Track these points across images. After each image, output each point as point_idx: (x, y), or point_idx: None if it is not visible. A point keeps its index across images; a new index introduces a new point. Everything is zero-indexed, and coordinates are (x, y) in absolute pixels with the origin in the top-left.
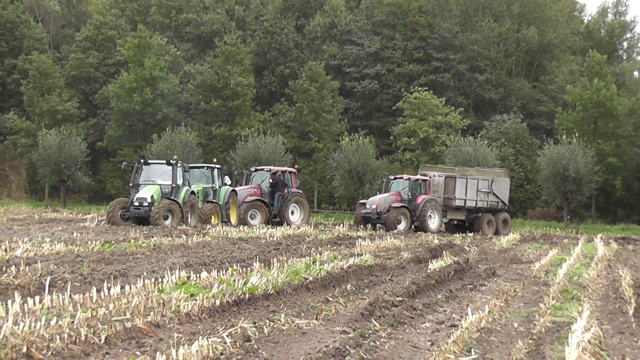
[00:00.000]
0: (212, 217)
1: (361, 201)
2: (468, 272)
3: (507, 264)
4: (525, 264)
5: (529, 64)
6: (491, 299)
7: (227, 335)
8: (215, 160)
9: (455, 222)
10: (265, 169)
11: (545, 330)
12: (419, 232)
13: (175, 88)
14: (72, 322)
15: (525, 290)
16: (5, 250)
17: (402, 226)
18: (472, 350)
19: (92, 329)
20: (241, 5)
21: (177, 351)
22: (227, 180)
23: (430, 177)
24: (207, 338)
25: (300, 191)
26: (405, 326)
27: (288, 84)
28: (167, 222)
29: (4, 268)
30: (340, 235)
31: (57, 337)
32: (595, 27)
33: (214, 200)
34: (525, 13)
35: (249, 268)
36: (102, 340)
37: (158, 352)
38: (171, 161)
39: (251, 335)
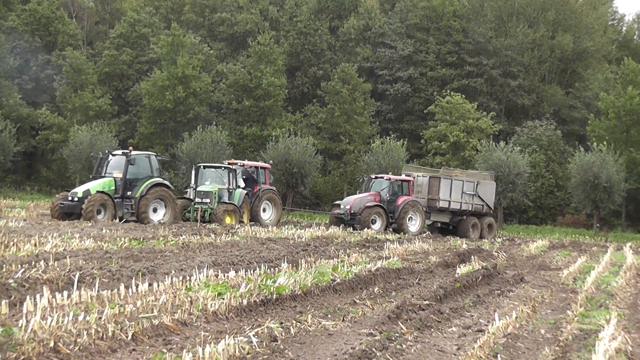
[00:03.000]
0: (227, 217)
1: (335, 202)
2: (496, 277)
3: (535, 271)
4: (554, 271)
5: (562, 70)
6: (518, 305)
7: (253, 335)
8: (231, 161)
9: (439, 224)
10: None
11: (572, 337)
12: (446, 237)
13: (208, 87)
14: (100, 318)
15: (553, 297)
16: (35, 245)
17: (377, 226)
18: (499, 355)
19: (119, 326)
20: (275, 5)
21: (203, 349)
22: (242, 182)
23: (413, 178)
24: (233, 337)
25: (274, 188)
26: (432, 330)
27: (320, 85)
28: (100, 217)
29: (34, 263)
30: (368, 237)
31: (85, 332)
32: (630, 35)
33: (229, 201)
34: (560, 20)
35: (276, 268)
36: (129, 337)
37: (185, 350)
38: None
39: (278, 335)
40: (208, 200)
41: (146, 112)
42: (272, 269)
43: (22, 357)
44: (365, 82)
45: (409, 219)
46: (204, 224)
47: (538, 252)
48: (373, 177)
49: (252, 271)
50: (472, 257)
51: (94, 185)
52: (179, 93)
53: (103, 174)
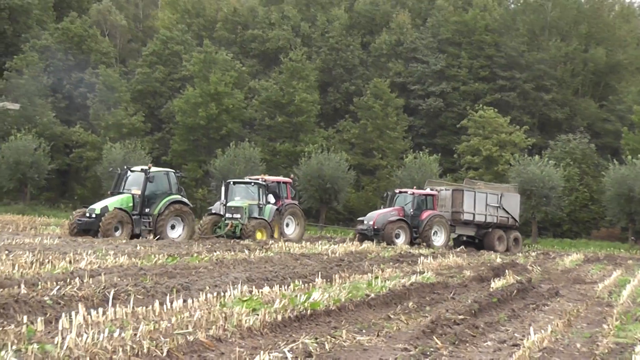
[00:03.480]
0: (257, 232)
1: (360, 218)
2: (531, 291)
3: (570, 284)
4: (589, 284)
5: (595, 83)
6: (554, 319)
7: (288, 351)
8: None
9: (465, 237)
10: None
11: (608, 351)
12: (481, 251)
13: (240, 103)
14: (135, 334)
15: (588, 310)
16: (70, 262)
17: (400, 241)
18: None
19: (154, 342)
20: (307, 21)
21: None
22: (272, 198)
23: (437, 192)
24: (268, 353)
25: (296, 202)
26: (467, 345)
27: (353, 100)
28: (118, 234)
29: (69, 280)
30: (402, 252)
31: (120, 349)
32: None
33: (259, 217)
34: (593, 33)
35: (311, 284)
36: (164, 354)
37: None
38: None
39: (312, 351)
40: (239, 216)
41: (179, 129)
42: (306, 285)
43: None
44: (397, 97)
45: (433, 233)
46: (235, 240)
47: (573, 266)
48: (397, 191)
49: (286, 287)
50: (507, 271)
51: (111, 202)
52: (211, 110)
53: (121, 190)
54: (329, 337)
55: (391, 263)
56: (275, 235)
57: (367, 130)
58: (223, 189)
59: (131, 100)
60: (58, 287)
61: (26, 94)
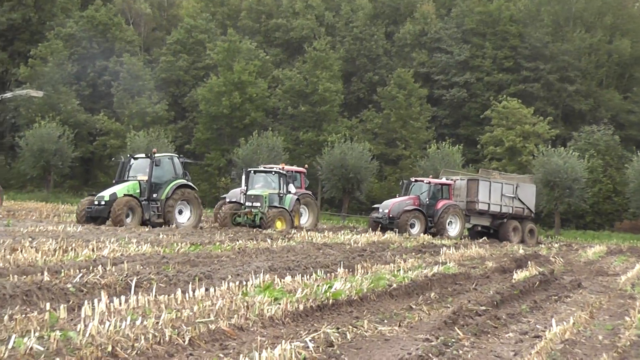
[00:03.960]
0: (277, 221)
1: (375, 205)
2: (553, 283)
3: (592, 276)
4: (612, 276)
5: (620, 75)
6: (576, 310)
7: (310, 340)
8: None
9: (480, 228)
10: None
11: (631, 343)
12: (503, 242)
13: (264, 92)
14: (157, 322)
15: (610, 302)
16: (93, 250)
17: (415, 230)
18: None
19: (176, 330)
20: (331, 11)
21: (260, 354)
22: (292, 188)
23: (453, 182)
24: (290, 342)
25: (309, 192)
26: (489, 336)
27: (376, 90)
28: (128, 220)
29: (91, 267)
30: (425, 243)
31: (142, 337)
32: None
33: (279, 205)
34: (618, 24)
35: (333, 273)
36: (186, 342)
37: (241, 355)
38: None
39: (334, 340)
40: (259, 204)
41: (202, 117)
42: (328, 274)
43: None
44: (421, 88)
45: (448, 223)
46: (256, 228)
47: (595, 258)
48: (412, 180)
49: (308, 276)
50: (529, 262)
51: (120, 189)
52: (235, 99)
53: (126, 178)
54: (350, 327)
55: (413, 253)
56: (296, 224)
57: (390, 120)
58: (244, 177)
59: (155, 89)
60: (81, 274)
61: (51, 82)
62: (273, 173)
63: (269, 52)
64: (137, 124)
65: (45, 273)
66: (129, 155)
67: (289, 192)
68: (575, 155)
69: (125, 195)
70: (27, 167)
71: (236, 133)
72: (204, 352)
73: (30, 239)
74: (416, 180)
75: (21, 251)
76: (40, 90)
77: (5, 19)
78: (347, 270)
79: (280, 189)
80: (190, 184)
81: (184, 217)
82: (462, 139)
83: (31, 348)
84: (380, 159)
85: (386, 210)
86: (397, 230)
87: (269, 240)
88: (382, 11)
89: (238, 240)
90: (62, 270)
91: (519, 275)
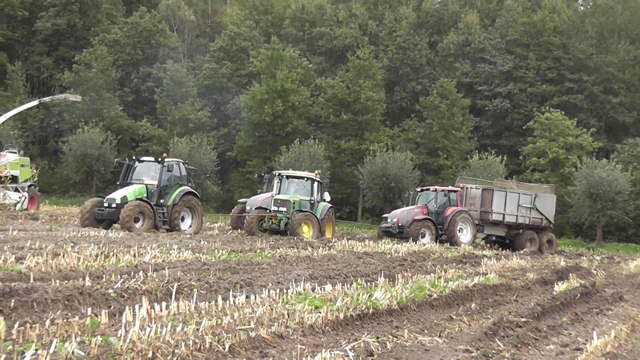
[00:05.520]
0: (303, 226)
1: (384, 215)
2: (594, 295)
3: (634, 289)
4: None
5: None
6: (617, 323)
7: (350, 349)
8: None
9: (494, 238)
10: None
11: None
12: (544, 254)
13: (306, 101)
14: (197, 329)
15: None
16: (134, 256)
17: (426, 239)
18: None
19: (216, 337)
20: (375, 20)
21: None
22: (327, 196)
23: (461, 188)
24: (330, 351)
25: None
26: (529, 347)
27: (419, 100)
28: (138, 225)
29: (133, 273)
30: (465, 253)
31: (182, 343)
32: None
33: (305, 210)
34: None
35: (373, 283)
36: (226, 349)
37: None
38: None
39: (374, 350)
40: (285, 209)
41: (245, 125)
42: (368, 283)
43: None
44: (464, 98)
45: (459, 230)
46: (279, 234)
47: (638, 271)
48: (419, 190)
49: (348, 285)
50: (570, 274)
51: (129, 192)
52: (277, 106)
53: (129, 181)
54: (390, 336)
55: (454, 264)
56: (328, 234)
57: (432, 129)
58: (275, 182)
59: (198, 95)
60: (122, 280)
61: (94, 88)
62: (306, 179)
63: (312, 60)
64: (179, 130)
65: (87, 278)
66: (134, 158)
67: (324, 200)
68: (618, 168)
69: (137, 199)
70: (70, 172)
71: (278, 141)
72: (244, 359)
73: (72, 244)
74: (422, 189)
75: (63, 256)
76: (82, 95)
77: (50, 24)
78: (387, 279)
79: (312, 195)
80: (194, 191)
81: (186, 223)
82: (504, 150)
83: (72, 353)
84: (421, 168)
85: (395, 220)
86: (407, 239)
87: (309, 249)
88: (425, 21)
89: (279, 248)
90: (104, 275)
91: (560, 287)
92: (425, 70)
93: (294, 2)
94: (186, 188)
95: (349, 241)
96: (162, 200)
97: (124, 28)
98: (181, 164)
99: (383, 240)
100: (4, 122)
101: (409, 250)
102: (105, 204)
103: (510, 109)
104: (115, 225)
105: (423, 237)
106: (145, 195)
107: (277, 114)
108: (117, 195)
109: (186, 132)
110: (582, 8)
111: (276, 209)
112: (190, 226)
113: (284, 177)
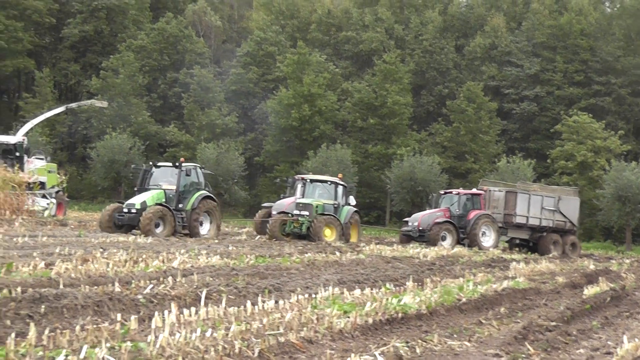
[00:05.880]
0: (326, 230)
1: (405, 219)
2: (624, 299)
3: None
4: None
5: None
6: None
7: (379, 354)
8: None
9: (518, 241)
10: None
11: None
12: (572, 258)
13: (333, 105)
14: (227, 334)
15: None
16: (163, 261)
17: (447, 243)
18: None
19: (245, 342)
20: (401, 24)
21: None
22: (352, 200)
23: (485, 191)
24: (359, 356)
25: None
26: (559, 351)
27: (446, 103)
28: (158, 230)
29: (162, 278)
30: (494, 257)
31: (212, 349)
32: None
33: (327, 213)
34: None
35: (402, 287)
36: (256, 354)
37: None
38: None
39: (403, 354)
40: (307, 213)
41: (272, 130)
42: (397, 288)
43: None
44: (490, 101)
45: (481, 234)
46: (301, 239)
47: None
48: (442, 192)
49: (377, 290)
50: (600, 278)
51: (148, 197)
52: (304, 111)
53: (147, 187)
54: (420, 341)
55: (483, 268)
56: (354, 239)
57: (459, 133)
58: (299, 186)
59: (225, 101)
60: (151, 285)
61: (122, 94)
62: (329, 183)
63: (339, 64)
64: (206, 135)
65: (116, 284)
66: (150, 163)
67: (348, 204)
68: None
69: (157, 204)
70: (98, 178)
71: (305, 145)
72: None
73: (101, 250)
74: (445, 192)
75: (92, 262)
76: (109, 101)
77: (77, 31)
78: (416, 283)
79: (336, 199)
80: (212, 195)
81: (204, 228)
82: (532, 153)
83: (102, 359)
84: (449, 172)
85: (415, 223)
86: (427, 243)
87: (337, 253)
88: (452, 24)
89: (307, 253)
90: (133, 281)
91: (589, 290)
92: (452, 74)
93: (320, 7)
94: (204, 192)
95: (377, 245)
96: (180, 205)
97: (151, 34)
98: (198, 169)
99: (411, 245)
100: (31, 129)
101: (438, 254)
102: (125, 210)
103: (537, 112)
104: (134, 230)
105: (444, 240)
106: (164, 200)
107: (304, 118)
108: (136, 201)
109: (213, 138)
110: (609, 10)
111: (298, 212)
112: (208, 230)
113: (308, 181)
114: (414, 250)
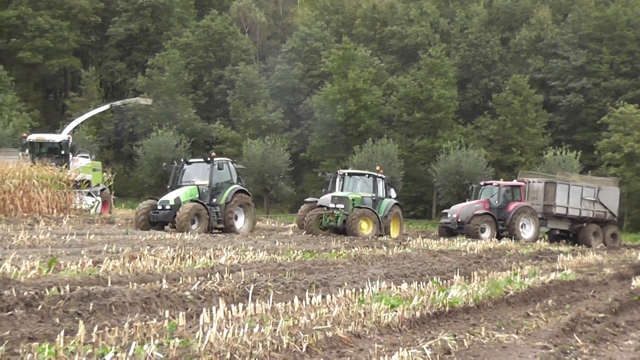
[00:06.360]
0: (362, 223)
1: (444, 210)
2: None
3: None
4: None
5: None
6: None
7: (427, 348)
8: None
9: (558, 232)
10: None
11: None
12: (621, 249)
13: (378, 100)
14: (275, 330)
15: None
16: (210, 257)
17: (486, 235)
18: None
19: (293, 338)
20: (446, 18)
21: None
22: (393, 193)
23: (525, 183)
24: (407, 350)
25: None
26: (608, 343)
27: (491, 96)
28: (194, 227)
29: (209, 275)
30: (541, 249)
31: (260, 344)
32: None
33: (363, 206)
34: None
35: (449, 280)
36: (304, 349)
37: None
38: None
39: (451, 348)
40: (342, 206)
41: (317, 125)
42: (444, 281)
43: None
44: (537, 93)
45: (521, 226)
46: (338, 233)
47: None
48: (482, 184)
49: (424, 283)
50: None
51: (182, 193)
52: (350, 106)
53: (179, 184)
54: (467, 334)
55: (530, 260)
56: (394, 234)
57: (505, 126)
58: (338, 180)
59: (270, 97)
60: (199, 282)
61: (168, 91)
62: (367, 176)
63: (384, 59)
64: (252, 132)
65: (164, 281)
66: (182, 160)
67: (390, 197)
68: None
69: (191, 200)
70: (145, 176)
71: (351, 140)
72: (322, 359)
73: (148, 247)
74: (486, 184)
75: (140, 259)
76: (155, 99)
77: (123, 29)
78: (463, 277)
79: (374, 192)
80: (245, 189)
81: (239, 222)
82: (578, 145)
83: (151, 355)
84: (495, 165)
85: (454, 215)
86: (466, 235)
87: (384, 248)
88: (497, 17)
89: (354, 248)
90: (180, 277)
91: (637, 282)
92: (498, 67)
93: (364, 2)
94: (237, 186)
95: (424, 239)
96: (214, 200)
97: (196, 31)
98: (230, 163)
99: (457, 238)
100: (78, 127)
101: (484, 247)
102: (159, 207)
103: (584, 104)
104: (166, 227)
105: (483, 232)
106: (197, 196)
107: (350, 113)
108: (170, 197)
109: (259, 134)
110: None
111: (334, 206)
112: (244, 224)
113: (346, 175)
114: (460, 243)
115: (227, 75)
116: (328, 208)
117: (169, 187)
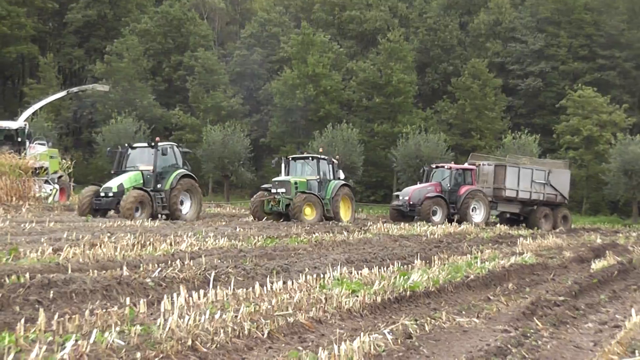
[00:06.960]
0: (306, 208)
1: (395, 193)
2: (632, 272)
3: None
4: None
5: None
6: None
7: (388, 332)
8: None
9: (508, 215)
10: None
11: None
12: (579, 232)
13: (338, 85)
14: (236, 316)
15: None
16: (171, 244)
17: (438, 218)
18: (637, 351)
19: (255, 324)
20: (404, 2)
21: (339, 347)
22: (341, 174)
23: (476, 166)
24: (368, 334)
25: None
26: (568, 326)
27: (451, 81)
28: (137, 214)
29: (170, 262)
30: (501, 233)
31: (221, 330)
32: None
33: (307, 191)
34: None
35: (410, 265)
36: (265, 335)
37: (320, 348)
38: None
39: (412, 332)
40: (283, 190)
41: (277, 111)
42: (405, 266)
43: (161, 356)
44: (495, 78)
45: (472, 209)
46: (282, 218)
47: None
48: (433, 166)
49: (385, 268)
50: (607, 252)
51: (125, 179)
52: (309, 91)
53: (124, 169)
54: (428, 318)
55: (490, 244)
56: (345, 217)
57: (465, 110)
58: (283, 165)
59: (230, 83)
60: (159, 269)
61: (126, 77)
62: (311, 159)
63: (343, 44)
64: (212, 118)
65: (125, 268)
66: (126, 145)
67: (338, 179)
68: None
69: (135, 188)
70: (104, 163)
71: (311, 126)
72: (283, 345)
73: (108, 234)
74: (437, 167)
75: (100, 246)
76: (114, 85)
77: (81, 15)
78: (424, 261)
79: (318, 174)
80: (191, 173)
81: (185, 207)
82: (537, 129)
83: (112, 342)
84: (455, 149)
85: (406, 198)
86: (418, 217)
87: (345, 233)
88: (455, 1)
89: (314, 233)
90: (141, 264)
91: (597, 265)
92: (457, 51)
93: None
94: (182, 171)
95: (385, 224)
96: (159, 186)
97: (154, 17)
98: (175, 147)
99: (418, 223)
100: (36, 114)
101: (445, 231)
102: (102, 194)
103: (542, 88)
104: (110, 213)
105: (434, 215)
106: (142, 181)
107: (309, 99)
108: (113, 184)
109: (219, 120)
110: None
111: (275, 190)
112: (190, 209)
113: (290, 159)
114: (421, 228)
115: (186, 61)
116: (270, 193)
117: (113, 172)
